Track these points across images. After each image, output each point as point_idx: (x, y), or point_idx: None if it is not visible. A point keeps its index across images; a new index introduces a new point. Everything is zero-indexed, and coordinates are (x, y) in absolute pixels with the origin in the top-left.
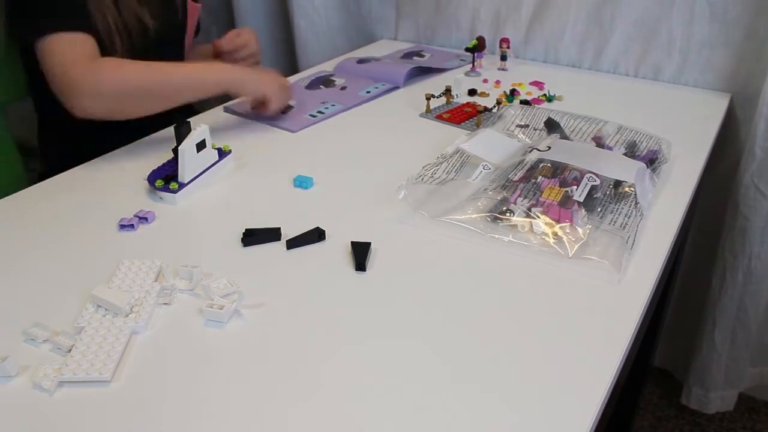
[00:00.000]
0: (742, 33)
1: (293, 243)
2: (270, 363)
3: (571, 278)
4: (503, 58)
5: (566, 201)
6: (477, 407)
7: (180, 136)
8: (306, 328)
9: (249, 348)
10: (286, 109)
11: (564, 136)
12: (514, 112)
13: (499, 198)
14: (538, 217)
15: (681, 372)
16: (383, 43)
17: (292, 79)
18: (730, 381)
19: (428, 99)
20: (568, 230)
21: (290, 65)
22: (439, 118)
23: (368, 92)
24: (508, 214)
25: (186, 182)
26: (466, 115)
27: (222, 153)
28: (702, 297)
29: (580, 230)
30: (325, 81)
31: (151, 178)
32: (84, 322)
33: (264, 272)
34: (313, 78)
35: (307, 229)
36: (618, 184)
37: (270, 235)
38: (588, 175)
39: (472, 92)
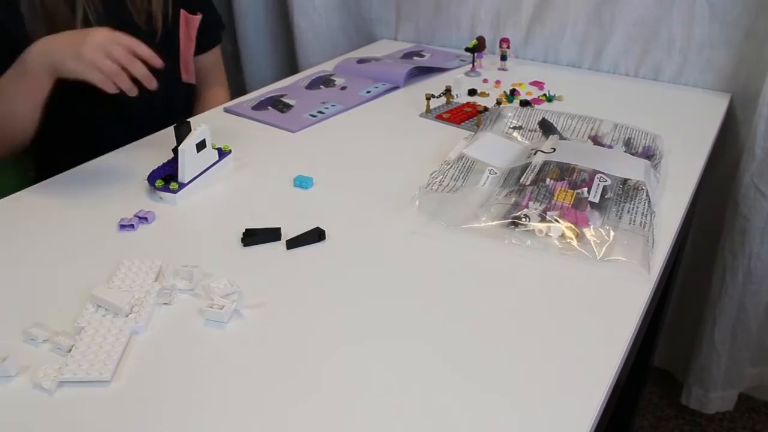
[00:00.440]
0: (742, 33)
1: (293, 243)
2: (270, 363)
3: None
4: (503, 58)
5: (579, 203)
6: (477, 407)
7: (180, 136)
8: (306, 328)
9: (249, 348)
10: (285, 109)
11: (561, 137)
12: (509, 113)
13: (511, 203)
14: (557, 221)
15: (681, 372)
16: (383, 43)
17: (292, 79)
18: (730, 381)
19: (428, 99)
20: (593, 232)
21: (290, 65)
22: (439, 118)
23: (368, 92)
24: (524, 220)
25: (186, 182)
26: (466, 115)
27: (222, 153)
28: (702, 297)
29: (603, 232)
30: (325, 81)
31: (151, 178)
32: (84, 322)
33: (264, 272)
34: (313, 78)
35: (307, 229)
36: (624, 182)
37: (270, 235)
38: (599, 175)
39: (472, 92)
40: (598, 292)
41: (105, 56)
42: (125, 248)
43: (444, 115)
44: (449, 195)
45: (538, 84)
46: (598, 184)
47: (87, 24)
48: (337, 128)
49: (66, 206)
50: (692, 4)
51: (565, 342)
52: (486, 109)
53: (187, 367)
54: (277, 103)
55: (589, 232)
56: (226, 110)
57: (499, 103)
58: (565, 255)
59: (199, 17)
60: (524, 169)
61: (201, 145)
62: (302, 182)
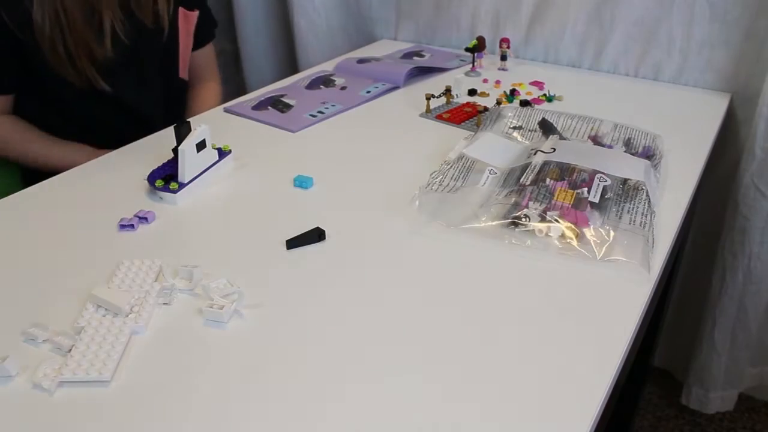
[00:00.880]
0: (742, 33)
1: (293, 243)
2: (270, 363)
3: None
4: (503, 58)
5: (579, 203)
6: (477, 407)
7: (180, 136)
8: (306, 328)
9: (249, 348)
10: (285, 109)
11: (561, 137)
12: (509, 113)
13: (510, 203)
14: (557, 221)
15: (681, 372)
16: (383, 43)
17: (292, 79)
18: (730, 381)
19: (428, 99)
20: (593, 232)
21: (290, 65)
22: (439, 118)
23: (368, 92)
24: (524, 219)
25: (186, 182)
26: (466, 115)
27: (222, 153)
28: (702, 297)
29: (603, 232)
30: (325, 81)
31: (151, 178)
32: (84, 322)
33: (264, 272)
34: (313, 78)
35: (307, 229)
36: (624, 182)
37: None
38: (599, 175)
39: (472, 92)
40: (598, 292)
41: None
42: (125, 248)
43: (444, 115)
44: (449, 195)
45: (538, 84)
46: (598, 184)
47: (103, 28)
48: (337, 128)
49: (66, 206)
50: (692, 4)
51: (565, 342)
52: (486, 109)
53: (187, 367)
54: (277, 103)
55: (589, 232)
56: (226, 110)
57: (499, 103)
58: (565, 255)
59: (196, 14)
60: (524, 169)
61: (201, 145)
62: (302, 182)
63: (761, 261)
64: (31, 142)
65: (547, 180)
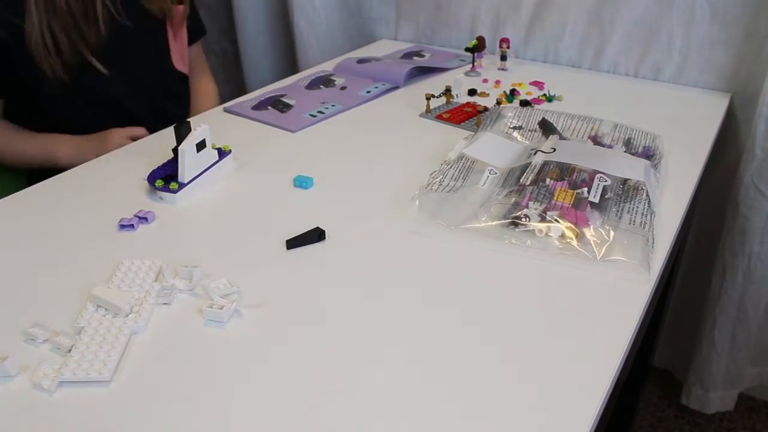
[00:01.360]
0: (742, 33)
1: (293, 243)
2: (270, 363)
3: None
4: (503, 58)
5: (579, 203)
6: (477, 407)
7: (180, 136)
8: (306, 328)
9: (249, 348)
10: (285, 109)
11: (561, 137)
12: (509, 113)
13: (510, 203)
14: (557, 221)
15: (681, 372)
16: (383, 43)
17: (292, 79)
18: (730, 381)
19: (428, 99)
20: (593, 232)
21: (290, 65)
22: (439, 118)
23: (368, 92)
24: (524, 219)
25: (186, 182)
26: (466, 115)
27: (222, 153)
28: (702, 297)
29: (603, 232)
30: (325, 81)
31: (151, 178)
32: (84, 322)
33: (264, 272)
34: (313, 78)
35: (307, 229)
36: (624, 182)
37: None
38: (599, 175)
39: (472, 92)
40: (598, 292)
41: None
42: (125, 248)
43: (444, 115)
44: (449, 195)
45: (538, 84)
46: (598, 184)
47: (105, 16)
48: (337, 128)
49: (66, 206)
50: (692, 4)
51: (565, 342)
52: (486, 109)
53: (187, 367)
54: (277, 103)
55: (589, 232)
56: (226, 110)
57: (499, 103)
58: (565, 255)
59: (182, 8)
60: (524, 169)
61: (201, 145)
62: (302, 182)
63: (761, 261)
64: (10, 141)
65: (547, 180)
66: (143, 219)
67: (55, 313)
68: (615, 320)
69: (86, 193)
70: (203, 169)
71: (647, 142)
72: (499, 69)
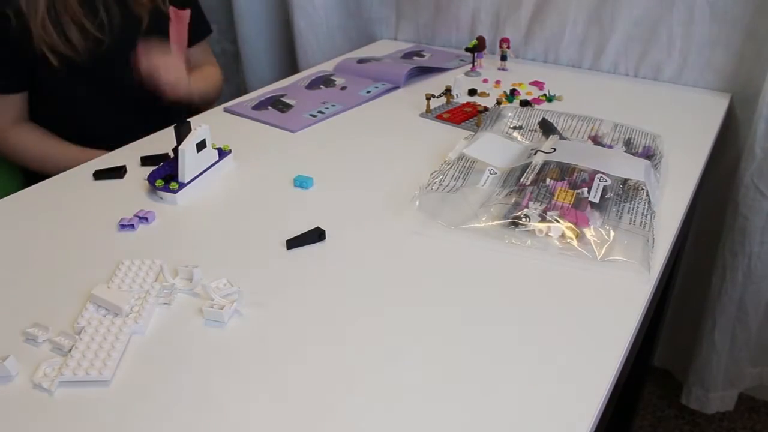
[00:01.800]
0: (742, 33)
1: (293, 243)
2: (270, 363)
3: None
4: (503, 58)
5: (579, 203)
6: (477, 407)
7: (180, 136)
8: (306, 328)
9: (249, 348)
10: (285, 109)
11: (561, 137)
12: (509, 113)
13: (510, 203)
14: (557, 221)
15: (681, 372)
16: (383, 43)
17: (292, 79)
18: (730, 381)
19: (428, 99)
20: (593, 232)
21: (290, 65)
22: (439, 118)
23: (368, 92)
24: (524, 219)
25: (186, 182)
26: (466, 115)
27: (222, 153)
28: (702, 297)
29: (603, 232)
30: (325, 81)
31: (151, 178)
32: (84, 322)
33: (264, 272)
34: (313, 78)
35: (307, 229)
36: (624, 182)
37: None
38: (599, 175)
39: (472, 92)
40: (598, 292)
41: None
42: (125, 248)
43: (444, 115)
44: (449, 195)
45: (538, 84)
46: (598, 184)
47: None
48: (337, 128)
49: (66, 206)
50: (692, 4)
51: (565, 342)
52: (486, 109)
53: (187, 367)
54: (277, 103)
55: (589, 232)
56: (226, 110)
57: (499, 103)
58: (565, 255)
59: (187, 12)
60: (524, 169)
61: (201, 145)
62: (302, 182)
63: (761, 261)
64: (47, 149)
65: (547, 180)
66: (143, 219)
67: (55, 313)
68: (615, 320)
69: (86, 193)
70: (203, 169)
71: (647, 142)
72: (499, 69)
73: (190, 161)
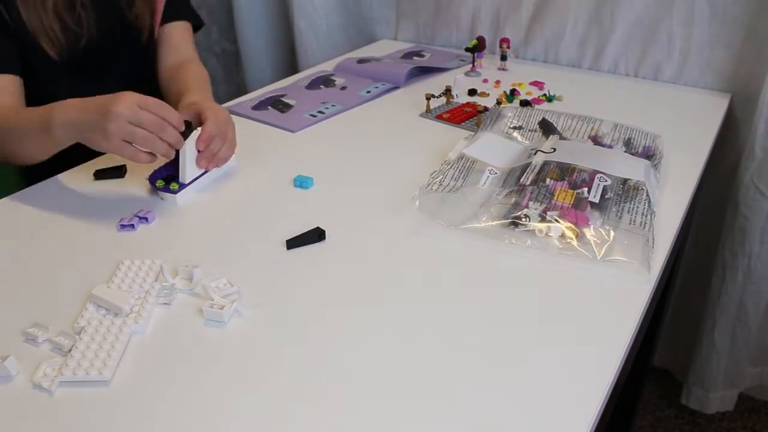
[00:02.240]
0: (742, 33)
1: (293, 243)
2: (270, 363)
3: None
4: (503, 58)
5: (579, 203)
6: (477, 407)
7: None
8: (306, 328)
9: (249, 348)
10: (285, 109)
11: (561, 137)
12: (509, 113)
13: (510, 203)
14: (557, 221)
15: (681, 372)
16: (383, 43)
17: (292, 79)
18: (730, 381)
19: (428, 99)
20: (593, 232)
21: (290, 65)
22: (439, 118)
23: (368, 92)
24: (524, 219)
25: (187, 182)
26: (466, 115)
27: None
28: (702, 297)
29: (603, 232)
30: (325, 81)
31: (152, 179)
32: (84, 322)
33: (264, 272)
34: (313, 78)
35: (307, 229)
36: (624, 182)
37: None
38: (599, 175)
39: (472, 92)
40: (598, 292)
41: (134, 126)
42: (125, 248)
43: (444, 115)
44: (449, 195)
45: (538, 84)
46: (598, 184)
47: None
48: (337, 128)
49: (66, 206)
50: (692, 4)
51: (565, 342)
52: (486, 109)
53: (187, 367)
54: (277, 103)
55: (589, 232)
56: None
57: (499, 103)
58: (565, 255)
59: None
60: (524, 169)
61: None
62: (302, 182)
63: (761, 261)
64: (11, 112)
65: (547, 180)
66: (143, 219)
67: (55, 313)
68: (615, 320)
69: (86, 193)
70: (204, 170)
71: (647, 142)
72: (499, 69)
73: (191, 162)
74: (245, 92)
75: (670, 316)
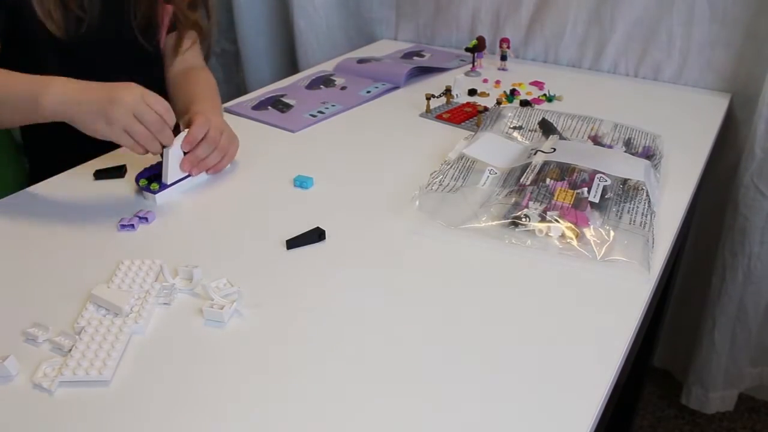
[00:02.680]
0: (742, 33)
1: (293, 243)
2: (270, 363)
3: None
4: (503, 58)
5: (579, 203)
6: (477, 407)
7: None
8: (306, 328)
9: (249, 348)
10: (285, 109)
11: (561, 137)
12: (509, 113)
13: (510, 203)
14: (557, 221)
15: (681, 372)
16: (383, 43)
17: (292, 79)
18: (730, 381)
19: (428, 99)
20: (593, 232)
21: (290, 65)
22: (439, 118)
23: (368, 92)
24: (524, 219)
25: (169, 183)
26: (466, 115)
27: None
28: (702, 297)
29: (603, 232)
30: (325, 81)
31: (138, 177)
32: (84, 322)
33: (264, 272)
34: (313, 78)
35: (307, 229)
36: (624, 182)
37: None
38: (599, 175)
39: (472, 92)
40: (598, 292)
41: (137, 120)
42: (125, 248)
43: (444, 115)
44: (449, 195)
45: (538, 84)
46: (598, 184)
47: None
48: (337, 128)
49: (66, 206)
50: (692, 4)
51: (565, 342)
52: (486, 109)
53: (187, 367)
54: (277, 103)
55: (589, 232)
56: (226, 110)
57: (499, 103)
58: (565, 255)
59: (170, 8)
60: (524, 169)
61: None
62: (302, 182)
63: (761, 261)
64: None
65: (547, 180)
66: (143, 219)
67: (55, 313)
68: (615, 320)
69: (86, 193)
70: (188, 174)
71: (647, 142)
72: (499, 69)
73: (173, 164)
74: (245, 92)
75: (670, 316)
